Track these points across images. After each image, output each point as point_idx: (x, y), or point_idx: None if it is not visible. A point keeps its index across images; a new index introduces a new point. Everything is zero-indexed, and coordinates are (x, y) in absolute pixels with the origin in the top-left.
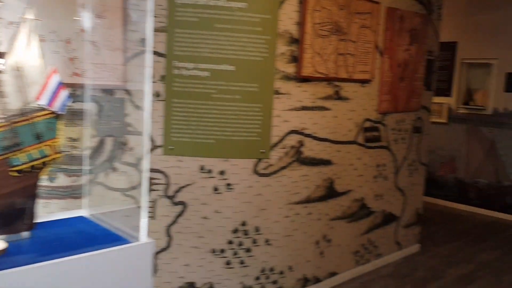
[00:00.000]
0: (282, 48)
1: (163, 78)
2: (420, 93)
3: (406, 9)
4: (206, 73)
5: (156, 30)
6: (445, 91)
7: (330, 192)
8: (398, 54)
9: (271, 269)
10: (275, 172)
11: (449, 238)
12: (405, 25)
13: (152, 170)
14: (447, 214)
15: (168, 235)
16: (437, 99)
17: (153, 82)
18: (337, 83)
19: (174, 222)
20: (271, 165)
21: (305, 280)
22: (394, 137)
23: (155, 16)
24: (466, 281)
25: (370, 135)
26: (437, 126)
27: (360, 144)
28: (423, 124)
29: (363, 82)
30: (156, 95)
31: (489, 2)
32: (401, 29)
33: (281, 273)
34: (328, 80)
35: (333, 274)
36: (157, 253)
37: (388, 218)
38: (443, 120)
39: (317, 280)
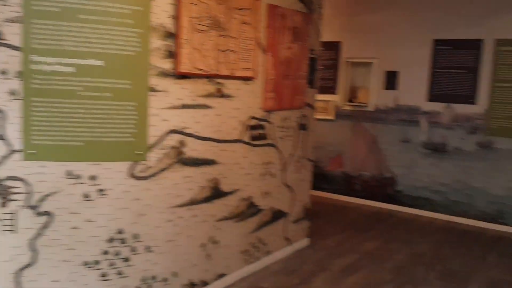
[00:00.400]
0: (157, 42)
1: (19, 74)
2: (304, 90)
3: (287, 7)
4: (70, 69)
5: (9, 20)
6: (331, 89)
7: (215, 193)
8: (281, 51)
9: (153, 277)
10: (154, 175)
11: (337, 230)
12: (287, 23)
13: (10, 178)
14: (336, 207)
15: (33, 249)
16: (324, 97)
17: (7, 79)
18: (219, 80)
19: (39, 234)
20: (149, 167)
21: (192, 285)
22: (280, 134)
23: (6, 5)
24: (350, 270)
25: (256, 133)
26: (325, 123)
27: (245, 143)
28: (308, 121)
29: (246, 79)
30: (12, 93)
31: (370, 4)
32: (283, 27)
33: (165, 280)
34: (209, 77)
35: (221, 275)
36: (20, 270)
37: (277, 215)
38: (331, 117)
39: (205, 284)
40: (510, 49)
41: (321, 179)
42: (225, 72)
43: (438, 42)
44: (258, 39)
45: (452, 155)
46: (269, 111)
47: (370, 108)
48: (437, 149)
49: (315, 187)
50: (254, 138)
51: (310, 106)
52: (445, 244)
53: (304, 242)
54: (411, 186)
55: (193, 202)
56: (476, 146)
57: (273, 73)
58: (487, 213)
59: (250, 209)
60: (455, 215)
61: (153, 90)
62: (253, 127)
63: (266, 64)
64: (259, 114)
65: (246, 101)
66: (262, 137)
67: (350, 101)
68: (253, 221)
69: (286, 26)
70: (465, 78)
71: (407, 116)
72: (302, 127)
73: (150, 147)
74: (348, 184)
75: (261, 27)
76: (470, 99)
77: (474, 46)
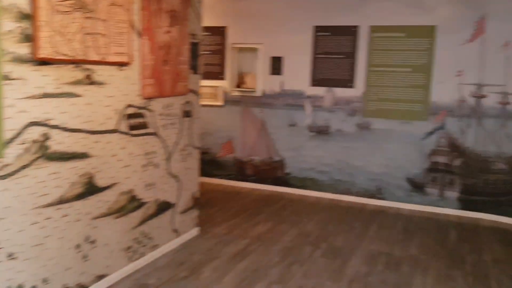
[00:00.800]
0: (10, 24)
1: None
2: (186, 76)
3: None
4: None
5: None
6: (219, 75)
7: (90, 189)
8: (158, 36)
9: (20, 286)
10: (13, 173)
11: (228, 216)
12: (164, 6)
13: None
14: (229, 193)
15: None
16: (212, 83)
17: None
18: (87, 66)
19: None
20: (7, 165)
21: None
22: (163, 122)
23: None
24: (240, 256)
25: (135, 122)
26: (214, 109)
27: (123, 133)
28: (192, 108)
29: (120, 65)
30: None
31: None
32: (160, 9)
33: None
34: (75, 62)
35: (101, 277)
36: None
37: (163, 207)
38: (220, 103)
39: (82, 287)
40: (382, 35)
41: (213, 166)
42: (94, 57)
43: (318, 29)
44: (132, 22)
45: (334, 136)
46: (149, 98)
47: (258, 93)
48: (321, 132)
49: (207, 174)
50: (133, 127)
51: (195, 92)
52: (330, 222)
53: (193, 232)
54: (298, 168)
55: (62, 201)
56: (356, 127)
57: (151, 58)
58: (367, 189)
59: (132, 203)
60: (339, 193)
61: (7, 78)
62: (131, 116)
63: (142, 49)
64: (138, 102)
65: (121, 88)
66: (142, 126)
67: (238, 86)
68: (136, 216)
69: (163, 9)
70: (343, 63)
71: (293, 100)
72: (187, 114)
73: (6, 143)
74: (240, 169)
75: (134, 9)
76: (349, 83)
77: (350, 32)
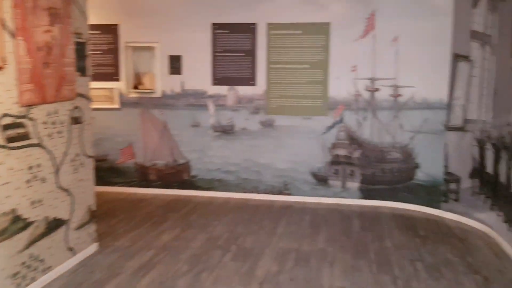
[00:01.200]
0: None
1: None
2: (73, 79)
3: None
4: None
5: None
6: (114, 76)
7: None
8: (36, 36)
9: None
10: None
11: (131, 227)
12: (41, 3)
13: None
14: (131, 201)
15: None
16: (106, 84)
17: None
18: None
19: None
20: None
21: None
22: (47, 132)
23: None
24: (145, 269)
25: (14, 134)
26: (110, 112)
27: (0, 146)
28: (82, 114)
29: None
30: None
31: None
32: (36, 6)
33: None
34: None
35: None
36: None
37: (54, 225)
38: (116, 106)
39: None
40: (279, 33)
41: (112, 173)
42: None
43: (215, 26)
44: (3, 21)
45: (239, 135)
46: (28, 105)
47: (158, 94)
48: (225, 131)
49: (107, 182)
50: (11, 139)
51: (84, 96)
52: (240, 222)
53: (92, 248)
54: (205, 170)
55: None
56: (260, 125)
57: (28, 61)
58: (275, 186)
59: (15, 224)
60: (247, 192)
61: None
62: (8, 127)
63: (17, 51)
64: (15, 110)
65: None
66: (22, 137)
67: (136, 87)
68: (22, 237)
69: (41, 6)
70: (244, 61)
71: (195, 100)
72: (76, 120)
73: None
74: (142, 175)
75: (5, 6)
76: (250, 81)
77: (249, 30)
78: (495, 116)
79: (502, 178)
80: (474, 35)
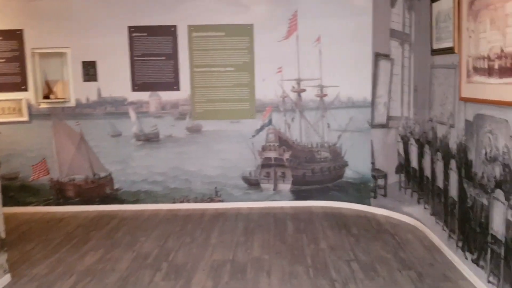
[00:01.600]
0: None
1: None
2: None
3: None
4: None
5: None
6: (21, 86)
7: None
8: None
9: None
10: None
11: (49, 251)
12: None
13: None
14: (48, 222)
15: None
16: (11, 95)
17: None
18: None
19: None
20: None
21: None
22: None
23: None
24: None
25: None
26: (18, 125)
27: None
28: None
29: None
30: None
31: None
32: None
33: None
34: None
35: None
36: None
37: None
38: (25, 119)
39: None
40: (201, 35)
41: (25, 192)
42: None
43: (132, 29)
44: None
45: (165, 143)
46: None
47: (72, 103)
48: (149, 139)
49: (19, 203)
50: None
51: None
52: (170, 236)
53: (3, 281)
54: (129, 182)
55: None
56: (186, 131)
57: None
58: (205, 194)
59: None
60: (177, 202)
61: None
62: None
63: None
64: None
65: None
66: None
67: (47, 97)
68: None
69: None
70: (165, 65)
71: (114, 108)
72: None
73: None
74: (59, 192)
75: None
76: (174, 85)
77: (168, 32)
78: (416, 113)
79: (427, 172)
80: (393, 33)
